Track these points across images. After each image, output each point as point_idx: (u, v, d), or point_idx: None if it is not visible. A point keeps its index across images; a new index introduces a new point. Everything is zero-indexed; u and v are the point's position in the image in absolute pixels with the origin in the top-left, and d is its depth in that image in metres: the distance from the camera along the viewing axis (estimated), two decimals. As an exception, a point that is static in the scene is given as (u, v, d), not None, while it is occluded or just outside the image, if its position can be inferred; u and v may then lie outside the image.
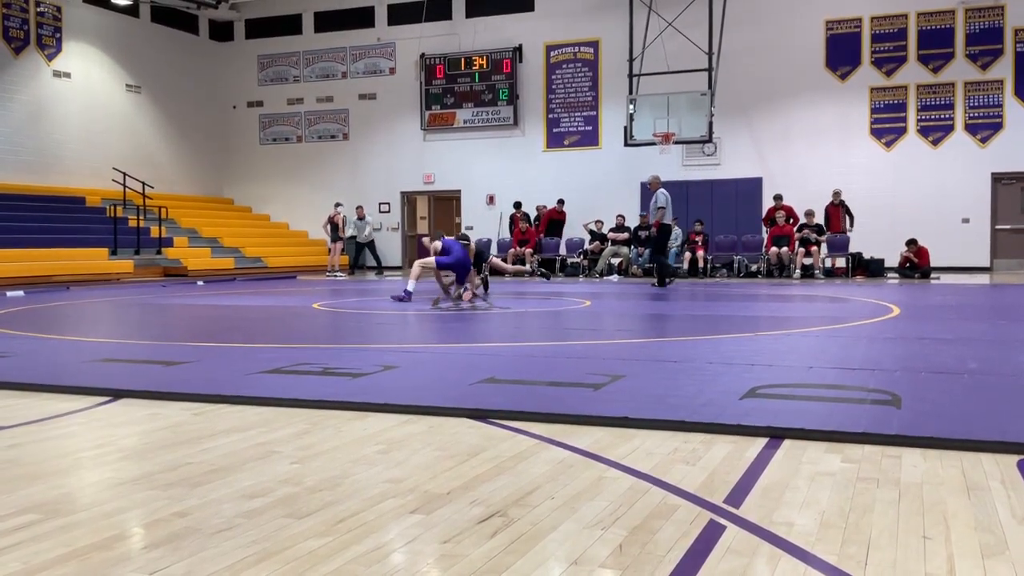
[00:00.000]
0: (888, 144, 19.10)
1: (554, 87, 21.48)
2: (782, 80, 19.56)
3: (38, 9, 19.73)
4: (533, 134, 21.67)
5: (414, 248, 21.35)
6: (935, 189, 18.68)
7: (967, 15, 18.55)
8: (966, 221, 18.58)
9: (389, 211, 23.16)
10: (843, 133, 19.31)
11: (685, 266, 18.12)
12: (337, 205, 20.66)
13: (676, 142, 18.30)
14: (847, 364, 5.25)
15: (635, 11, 19.01)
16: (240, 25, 24.35)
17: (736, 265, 18.25)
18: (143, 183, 19.82)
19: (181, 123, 23.40)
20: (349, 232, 20.64)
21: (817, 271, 17.22)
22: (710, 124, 17.97)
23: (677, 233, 18.47)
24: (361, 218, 20.82)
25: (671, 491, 2.78)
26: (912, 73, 18.93)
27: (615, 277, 17.74)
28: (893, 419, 3.67)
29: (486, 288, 12.18)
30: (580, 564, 2.17)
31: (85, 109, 20.75)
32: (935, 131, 18.81)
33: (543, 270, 12.46)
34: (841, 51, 19.35)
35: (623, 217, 19.05)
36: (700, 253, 18.17)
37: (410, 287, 10.63)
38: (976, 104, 18.53)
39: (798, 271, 17.34)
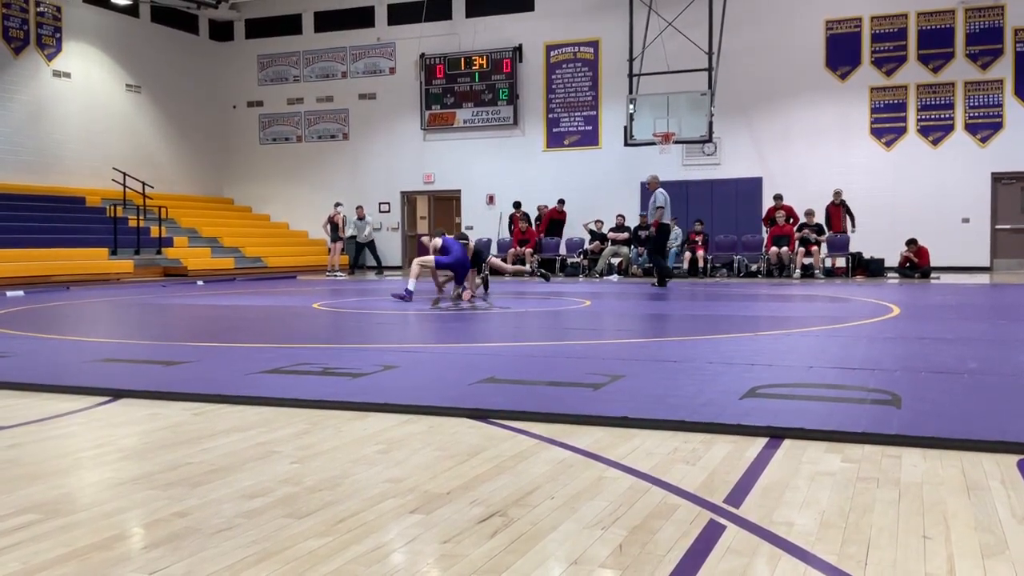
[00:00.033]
0: (888, 144, 19.11)
1: (554, 87, 21.48)
2: (782, 80, 19.56)
3: (38, 9, 19.73)
4: (533, 134, 21.67)
5: (414, 248, 21.36)
6: (935, 189, 18.68)
7: (967, 15, 18.56)
8: (966, 221, 18.59)
9: (389, 211, 23.16)
10: (843, 133, 19.31)
11: (685, 266, 18.12)
12: (337, 205, 20.66)
13: (676, 142, 18.30)
14: (847, 364, 5.25)
15: (635, 11, 19.02)
16: (240, 25, 24.35)
17: (736, 265, 18.25)
18: (143, 183, 19.83)
19: (181, 123, 23.41)
20: (349, 232, 20.64)
21: (817, 271, 17.22)
22: (710, 124, 17.97)
23: (677, 233, 18.47)
24: (361, 218, 20.82)
25: (671, 491, 2.78)
26: (912, 73, 18.93)
27: (615, 277, 17.74)
28: (893, 419, 3.67)
29: (486, 288, 12.18)
30: (580, 564, 2.17)
31: (85, 109, 20.76)
32: (935, 131, 18.81)
33: (542, 271, 12.46)
34: (841, 51, 19.35)
35: (623, 217, 19.05)
36: (700, 253, 18.17)
37: (410, 286, 10.63)
38: (976, 104, 18.53)
39: (798, 271, 17.34)
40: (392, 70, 22.92)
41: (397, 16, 22.69)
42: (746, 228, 19.37)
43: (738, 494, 2.73)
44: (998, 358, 5.57)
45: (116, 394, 4.56)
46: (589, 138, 21.20)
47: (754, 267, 18.21)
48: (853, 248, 17.72)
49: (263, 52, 24.14)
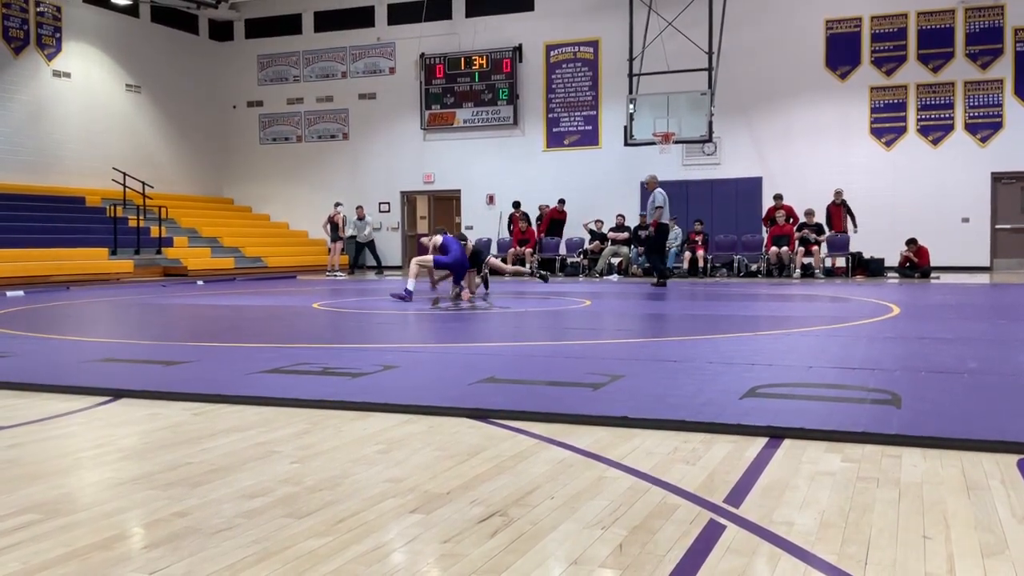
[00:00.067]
0: (888, 144, 19.10)
1: (554, 87, 21.48)
2: (782, 80, 19.56)
3: (38, 9, 19.73)
4: (533, 134, 21.67)
5: (414, 248, 21.34)
6: (935, 189, 18.68)
7: (967, 14, 18.56)
8: (966, 221, 18.59)
9: (389, 211, 23.16)
10: (843, 133, 19.31)
11: (685, 266, 18.12)
12: (337, 205, 20.66)
13: (676, 142, 18.30)
14: (847, 364, 5.25)
15: (635, 11, 19.01)
16: (240, 25, 24.35)
17: (736, 265, 18.25)
18: (143, 183, 19.83)
19: (181, 123, 23.40)
20: (349, 232, 20.64)
21: (817, 271, 17.22)
22: (710, 124, 17.97)
23: (677, 232, 18.48)
24: (361, 218, 20.82)
25: (671, 491, 2.78)
26: (912, 72, 18.93)
27: (615, 277, 17.75)
28: (893, 419, 3.67)
29: (486, 286, 12.18)
30: (580, 564, 2.17)
31: (85, 109, 20.75)
32: (935, 131, 18.81)
33: (541, 272, 12.46)
34: (841, 51, 19.35)
35: (623, 217, 19.05)
36: (700, 253, 18.17)
37: (410, 286, 10.63)
38: (976, 104, 18.53)
39: (798, 271, 17.34)
40: (392, 70, 22.92)
41: (397, 16, 22.69)
42: (746, 228, 19.37)
43: (738, 494, 2.73)
44: (998, 358, 5.57)
45: (116, 394, 4.56)
46: (589, 138, 21.20)
47: (754, 267, 18.21)
48: (853, 248, 17.71)
49: (263, 52, 24.14)
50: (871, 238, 17.80)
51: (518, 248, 19.66)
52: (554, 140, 21.52)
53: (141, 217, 18.98)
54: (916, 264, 16.80)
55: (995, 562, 2.16)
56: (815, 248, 17.32)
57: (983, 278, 16.10)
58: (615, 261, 18.47)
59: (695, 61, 18.42)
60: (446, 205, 24.07)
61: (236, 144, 24.55)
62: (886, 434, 3.40)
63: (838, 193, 17.96)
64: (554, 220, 20.30)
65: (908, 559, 2.18)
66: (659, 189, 14.49)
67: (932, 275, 16.68)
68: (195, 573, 2.13)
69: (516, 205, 20.31)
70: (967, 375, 4.82)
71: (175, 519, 2.55)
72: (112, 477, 3.04)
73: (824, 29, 19.43)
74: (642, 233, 17.87)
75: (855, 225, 17.67)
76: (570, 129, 21.37)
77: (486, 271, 12.15)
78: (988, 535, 2.35)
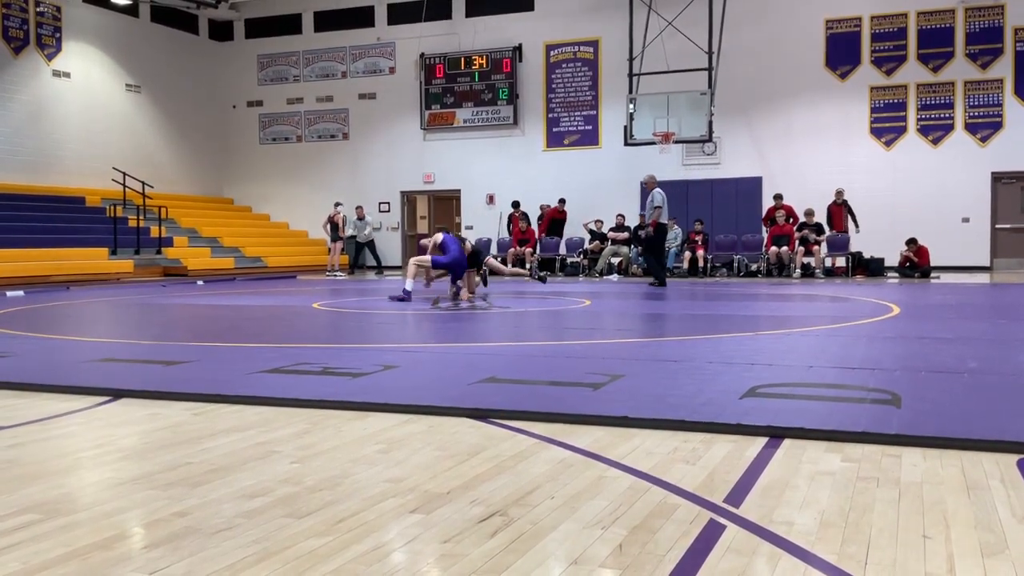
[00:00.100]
0: (888, 143, 19.10)
1: (554, 86, 21.47)
2: (782, 79, 19.56)
3: (38, 9, 19.73)
4: (533, 133, 21.67)
5: (414, 248, 21.34)
6: (935, 188, 18.68)
7: (967, 14, 18.55)
8: (966, 220, 18.59)
9: (389, 211, 23.16)
10: (843, 132, 19.31)
11: (685, 266, 18.13)
12: (337, 205, 20.66)
13: (676, 141, 18.30)
14: (847, 363, 5.25)
15: (635, 10, 19.01)
16: (240, 25, 24.34)
17: (736, 264, 18.26)
18: (143, 183, 19.83)
19: (181, 123, 23.41)
20: (349, 232, 20.64)
21: (817, 271, 17.22)
22: (710, 123, 17.97)
23: (677, 232, 18.49)
24: (361, 218, 20.83)
25: (671, 490, 2.78)
26: (912, 72, 18.93)
27: (615, 276, 17.75)
28: (893, 418, 3.67)
29: (485, 283, 12.18)
30: (580, 563, 2.17)
31: (85, 109, 20.75)
32: (935, 130, 18.81)
33: (540, 273, 12.47)
34: (841, 50, 19.35)
35: (623, 216, 19.05)
36: (700, 252, 18.17)
37: (408, 286, 10.64)
38: (976, 103, 18.53)
39: (798, 270, 17.34)
40: (392, 70, 22.92)
41: (397, 16, 22.69)
42: (746, 228, 19.37)
43: (738, 494, 2.73)
44: (998, 357, 5.57)
45: (116, 394, 4.56)
46: (589, 138, 21.20)
47: (754, 267, 18.21)
48: (853, 248, 17.72)
49: (263, 52, 24.14)
50: (871, 238, 17.80)
51: (518, 248, 19.66)
52: (554, 140, 21.52)
53: (141, 217, 18.98)
54: (916, 264, 16.81)
55: (995, 562, 2.16)
56: (815, 248, 17.32)
57: (983, 278, 16.10)
58: (615, 261, 18.48)
59: (695, 61, 18.42)
60: (446, 205, 24.07)
61: (236, 144, 24.55)
62: (886, 434, 3.40)
63: (839, 193, 17.95)
64: (554, 220, 20.31)
65: (908, 559, 2.18)
66: (658, 189, 14.50)
67: (932, 275, 16.68)
68: (195, 573, 2.13)
69: (515, 205, 20.31)
70: (967, 375, 4.82)
71: (175, 519, 2.55)
72: (112, 477, 3.04)
73: (824, 29, 19.43)
74: (641, 233, 17.89)
75: (856, 225, 17.65)
76: (570, 129, 21.37)
77: (485, 270, 12.15)
78: (988, 535, 2.35)
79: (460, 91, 22.10)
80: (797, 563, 2.16)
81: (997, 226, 18.65)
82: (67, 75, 20.40)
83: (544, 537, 2.36)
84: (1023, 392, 4.31)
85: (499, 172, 21.86)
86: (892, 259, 17.46)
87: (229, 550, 2.28)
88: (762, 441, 3.39)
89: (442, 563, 2.18)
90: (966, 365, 5.16)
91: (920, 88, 18.88)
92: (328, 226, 20.42)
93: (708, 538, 2.34)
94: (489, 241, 20.47)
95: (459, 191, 22.56)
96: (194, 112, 23.79)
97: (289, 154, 24.03)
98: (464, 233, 21.22)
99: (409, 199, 23.56)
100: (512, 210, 20.36)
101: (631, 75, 18.80)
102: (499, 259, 18.58)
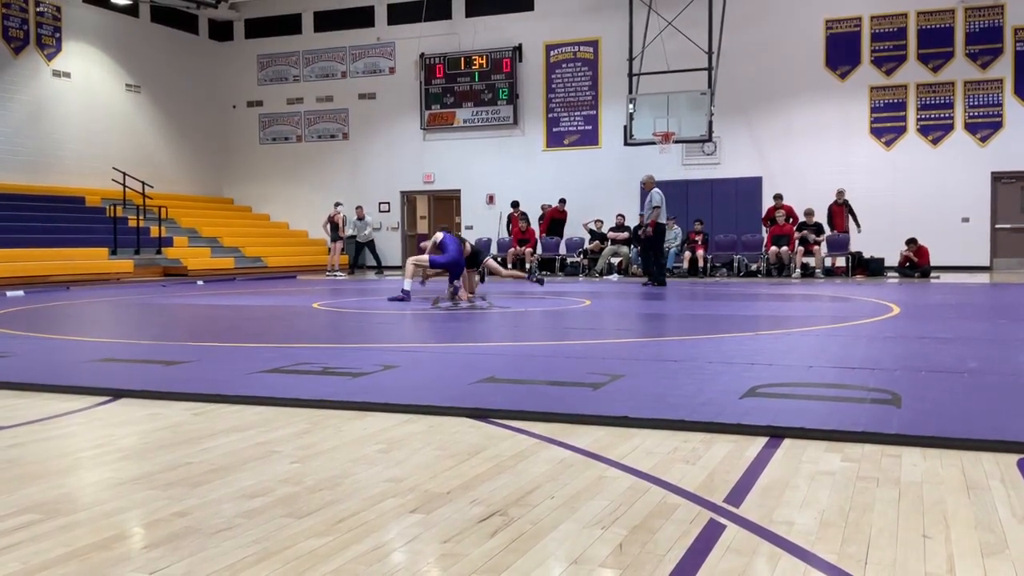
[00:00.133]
0: (888, 143, 19.11)
1: (554, 86, 21.47)
2: (782, 79, 19.56)
3: (38, 9, 19.73)
4: (533, 133, 21.67)
5: (414, 248, 21.34)
6: (935, 188, 18.68)
7: (967, 14, 18.56)
8: (966, 220, 18.59)
9: (389, 211, 23.16)
10: (843, 132, 19.31)
11: (685, 265, 18.13)
12: (337, 205, 20.67)
13: (676, 141, 18.30)
14: (847, 363, 5.25)
15: (635, 10, 19.02)
16: (240, 25, 24.34)
17: (736, 264, 18.26)
18: (143, 183, 19.82)
19: (181, 123, 23.41)
20: (349, 232, 20.65)
21: (817, 270, 17.23)
22: (710, 123, 17.97)
23: (677, 232, 18.49)
24: (361, 218, 20.83)
25: (671, 490, 2.78)
26: (912, 72, 18.93)
27: (615, 276, 17.75)
28: (893, 418, 3.67)
29: (482, 279, 12.20)
30: (580, 563, 2.17)
31: (85, 109, 20.76)
32: (935, 130, 18.81)
33: (537, 276, 12.47)
34: (841, 50, 19.35)
35: (623, 216, 19.05)
36: (700, 252, 18.17)
37: (407, 286, 10.64)
38: (976, 103, 18.53)
39: (798, 270, 17.34)
40: (392, 70, 22.92)
41: (397, 16, 22.69)
42: (746, 228, 19.37)
43: (738, 493, 2.73)
44: (998, 357, 5.57)
45: (116, 394, 4.56)
46: (589, 138, 21.20)
47: (754, 267, 18.21)
48: (853, 247, 17.72)
49: (263, 52, 24.14)
50: (871, 238, 17.80)
51: (518, 248, 19.66)
52: (554, 140, 21.52)
53: (141, 217, 18.98)
54: (916, 264, 16.81)
55: (995, 562, 2.16)
56: (815, 248, 17.32)
57: (983, 278, 16.10)
58: (615, 261, 18.48)
59: (695, 61, 18.42)
60: (446, 205, 24.08)
61: (236, 144, 24.55)
62: (886, 434, 3.40)
63: (840, 193, 17.95)
64: (555, 220, 20.31)
65: (908, 559, 2.18)
66: (656, 189, 14.51)
67: (932, 275, 16.68)
68: (195, 573, 2.13)
69: (515, 205, 20.31)
70: (967, 375, 4.82)
71: (175, 519, 2.55)
72: (112, 477, 3.04)
73: (824, 29, 19.43)
74: (641, 233, 17.89)
75: (858, 225, 17.64)
76: (570, 129, 21.37)
77: (483, 268, 12.15)
78: (988, 535, 2.35)
79: (460, 91, 22.10)
80: (797, 563, 2.16)
81: (997, 226, 18.65)
82: (67, 75, 20.40)
83: (544, 537, 2.36)
84: (1023, 392, 4.31)
85: (499, 172, 21.86)
86: (892, 259, 17.46)
87: (229, 550, 2.28)
88: (762, 441, 3.39)
89: (442, 563, 2.18)
90: (966, 365, 5.16)
91: (920, 88, 18.88)
92: (328, 226, 20.42)
93: (708, 538, 2.34)
94: (489, 241, 20.47)
95: (459, 191, 22.56)
96: (194, 112, 23.79)
97: (289, 154, 24.03)
98: (464, 233, 21.23)
99: (409, 199, 23.56)
100: (511, 210, 20.36)
101: (631, 75, 18.80)
102: (499, 259, 18.60)
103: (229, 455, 3.30)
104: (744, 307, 10.00)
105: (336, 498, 2.74)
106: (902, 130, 19.01)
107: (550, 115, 21.53)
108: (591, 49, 21.13)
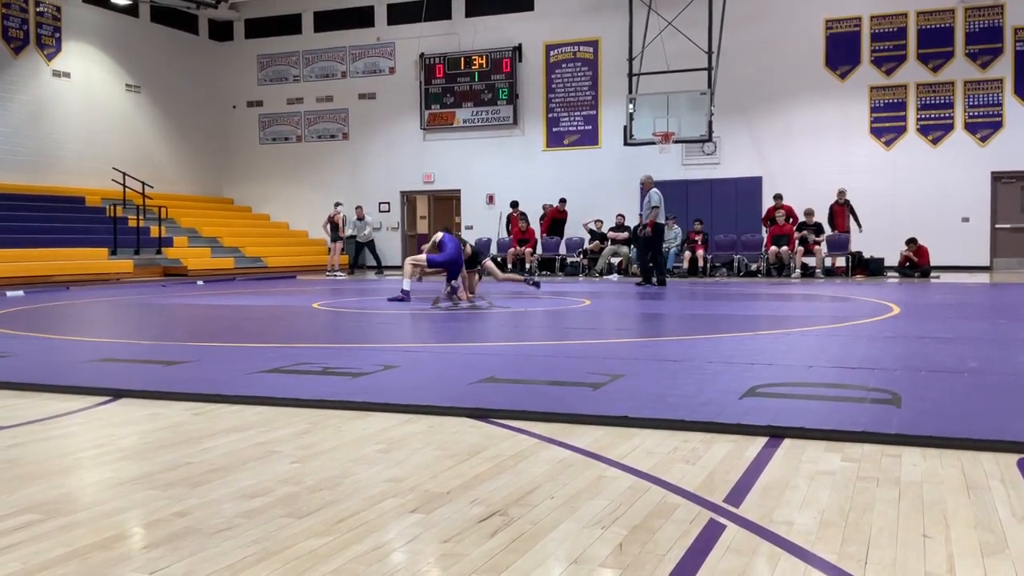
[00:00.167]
0: (888, 143, 19.10)
1: (554, 86, 21.47)
2: (782, 79, 19.56)
3: (38, 9, 19.73)
4: (533, 133, 21.67)
5: (414, 248, 21.36)
6: (935, 188, 18.68)
7: (967, 14, 18.55)
8: (966, 220, 18.59)
9: (389, 211, 23.16)
10: (843, 132, 19.31)
11: (685, 265, 18.13)
12: (337, 205, 20.67)
13: (676, 141, 18.30)
14: (847, 363, 5.25)
15: (635, 10, 19.01)
16: (240, 25, 24.34)
17: (736, 264, 18.25)
18: (143, 183, 19.82)
19: (181, 123, 23.40)
20: (349, 232, 20.65)
21: (817, 270, 17.23)
22: (710, 123, 17.97)
23: (676, 232, 18.49)
24: (361, 218, 20.83)
25: (671, 490, 2.78)
26: (912, 72, 18.93)
27: (615, 276, 17.75)
28: (893, 418, 3.67)
29: (479, 276, 12.19)
30: (580, 563, 2.17)
31: (85, 109, 20.75)
32: (935, 130, 18.81)
33: (534, 279, 12.46)
34: (841, 50, 19.35)
35: (623, 216, 19.05)
36: (700, 252, 18.17)
37: (406, 286, 10.64)
38: (976, 103, 18.53)
39: (798, 270, 17.34)
40: (392, 70, 22.91)
41: (397, 16, 22.69)
42: (746, 227, 19.37)
43: (738, 493, 2.73)
44: (998, 357, 5.57)
45: (116, 394, 4.56)
46: (589, 138, 21.20)
47: (754, 267, 18.21)
48: (853, 247, 17.71)
49: (263, 52, 24.13)
50: (871, 238, 17.80)
51: (518, 248, 19.66)
52: (554, 140, 21.52)
53: (141, 217, 18.98)
54: (916, 264, 16.81)
55: (995, 561, 2.16)
56: (815, 248, 17.32)
57: (983, 278, 16.10)
58: (615, 261, 18.48)
59: (695, 61, 18.42)
60: (446, 205, 24.07)
61: (236, 144, 24.55)
62: (886, 433, 3.40)
63: (841, 193, 17.94)
64: (555, 219, 20.31)
65: (908, 558, 2.18)
66: (654, 189, 14.52)
67: (932, 275, 16.68)
68: (195, 573, 2.13)
69: (514, 205, 20.30)
70: (967, 375, 4.82)
71: (175, 519, 2.55)
72: (112, 477, 3.04)
73: (824, 29, 19.43)
74: (640, 233, 17.89)
75: (859, 225, 17.63)
76: (570, 129, 21.37)
77: (480, 270, 12.14)
78: (988, 535, 2.35)
79: (460, 91, 22.10)
80: (797, 563, 2.16)
81: (997, 226, 18.65)
82: (67, 75, 20.40)
83: (544, 537, 2.36)
84: (1023, 392, 4.31)
85: (499, 172, 21.86)
86: (892, 259, 17.46)
87: (229, 550, 2.28)
88: (762, 441, 3.39)
89: (442, 563, 2.18)
90: (966, 365, 5.16)
91: (920, 88, 18.88)
92: (328, 226, 20.42)
93: (708, 538, 2.34)
94: (489, 241, 20.47)
95: (459, 191, 22.56)
96: (194, 112, 23.79)
97: (289, 154, 24.03)
98: (464, 233, 21.23)
99: (409, 199, 23.56)
100: (511, 210, 20.36)
101: (631, 75, 18.80)
102: (499, 259, 18.59)
103: (229, 455, 3.30)
104: (744, 307, 10.00)
105: (336, 498, 2.74)
106: (902, 130, 19.01)
107: (550, 115, 21.53)
108: (591, 49, 21.13)
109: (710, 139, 18.50)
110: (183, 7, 22.74)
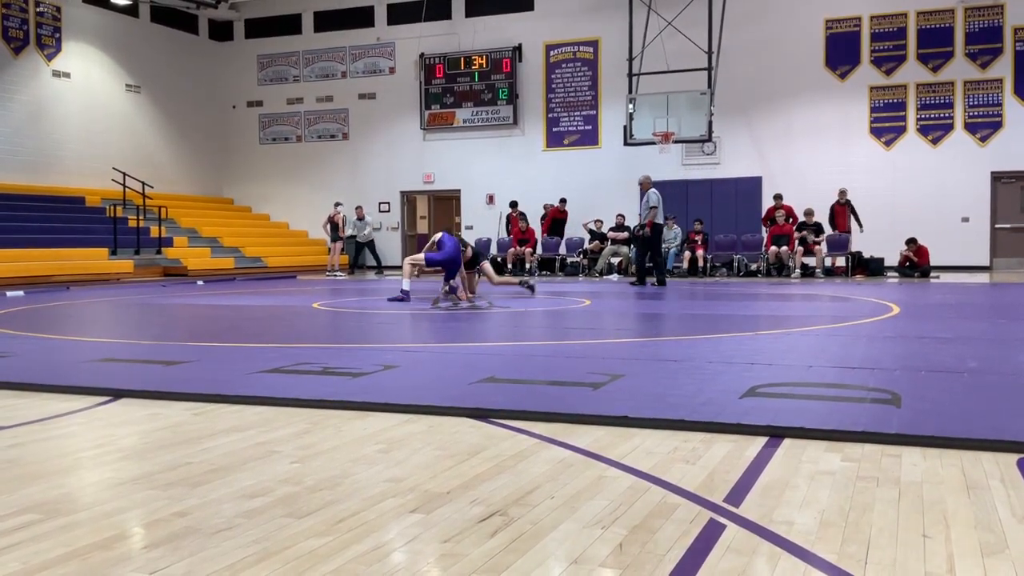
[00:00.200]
0: (888, 143, 19.11)
1: (554, 86, 21.47)
2: (782, 79, 19.56)
3: (38, 9, 19.73)
4: (533, 133, 21.67)
5: (414, 248, 21.36)
6: (935, 188, 18.68)
7: (966, 14, 18.55)
8: (966, 220, 18.59)
9: (389, 211, 23.16)
10: (843, 132, 19.31)
11: (685, 265, 18.13)
12: (337, 205, 20.67)
13: (676, 141, 18.30)
14: (847, 363, 5.25)
15: (635, 10, 19.01)
16: (240, 25, 24.34)
17: (736, 264, 18.25)
18: (143, 183, 19.82)
19: (181, 123, 23.41)
20: (349, 232, 20.65)
21: (817, 270, 17.22)
22: (710, 123, 17.97)
23: (676, 232, 18.49)
24: (361, 218, 20.83)
25: (671, 490, 2.78)
26: (912, 72, 18.93)
27: (615, 276, 17.74)
28: (893, 418, 3.67)
29: (478, 278, 12.19)
30: (580, 563, 2.17)
31: (85, 109, 20.75)
32: (935, 130, 18.81)
33: (529, 283, 12.45)
34: (840, 50, 19.35)
35: (623, 216, 19.04)
36: (700, 252, 18.17)
37: (405, 286, 10.65)
38: (976, 103, 18.53)
39: (798, 270, 17.34)
40: (392, 70, 22.91)
41: (397, 16, 22.69)
42: (746, 227, 19.37)
43: (738, 493, 2.73)
44: (998, 357, 5.57)
45: (116, 394, 4.56)
46: (589, 138, 21.20)
47: (754, 266, 18.21)
48: (853, 247, 17.71)
49: (263, 52, 24.13)
50: (871, 238, 17.80)
51: (518, 248, 19.66)
52: (554, 140, 21.52)
53: (141, 217, 18.98)
54: (916, 263, 16.81)
55: (995, 561, 2.16)
56: (815, 248, 17.32)
57: (983, 277, 16.10)
58: (615, 261, 18.47)
59: (695, 61, 18.42)
60: (446, 205, 24.07)
61: (236, 144, 24.55)
62: (886, 433, 3.40)
63: (842, 193, 17.93)
64: (556, 219, 20.31)
65: (908, 558, 2.18)
66: (653, 189, 14.52)
67: (932, 274, 16.68)
68: (195, 573, 2.13)
69: (513, 205, 20.30)
70: (967, 375, 4.82)
71: (175, 519, 2.55)
72: (112, 477, 3.04)
73: (824, 29, 19.43)
74: (639, 233, 17.89)
75: (860, 225, 17.62)
76: (570, 129, 21.37)
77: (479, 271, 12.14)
78: (988, 535, 2.35)
79: (460, 91, 22.10)
80: (797, 563, 2.16)
81: (997, 226, 18.65)
82: (67, 75, 20.40)
83: (544, 537, 2.36)
84: (1023, 392, 4.31)
85: (499, 172, 21.86)
86: (892, 259, 17.46)
87: (229, 550, 2.28)
88: (762, 441, 3.39)
89: (442, 563, 2.18)
90: (966, 365, 5.16)
91: (920, 88, 18.88)
92: (328, 226, 20.42)
93: (708, 538, 2.34)
94: (489, 241, 20.47)
95: (459, 191, 22.56)
96: (194, 112, 23.79)
97: (289, 154, 24.03)
98: (464, 233, 21.23)
99: (409, 199, 23.56)
100: (510, 210, 20.35)
101: (631, 75, 18.80)
102: (499, 259, 18.60)
103: (229, 455, 3.30)
104: (744, 307, 10.00)
105: (336, 498, 2.74)
106: (902, 130, 19.01)
107: (550, 115, 21.53)
108: (591, 49, 21.13)
109: (710, 139, 18.50)
110: (183, 7, 22.74)
